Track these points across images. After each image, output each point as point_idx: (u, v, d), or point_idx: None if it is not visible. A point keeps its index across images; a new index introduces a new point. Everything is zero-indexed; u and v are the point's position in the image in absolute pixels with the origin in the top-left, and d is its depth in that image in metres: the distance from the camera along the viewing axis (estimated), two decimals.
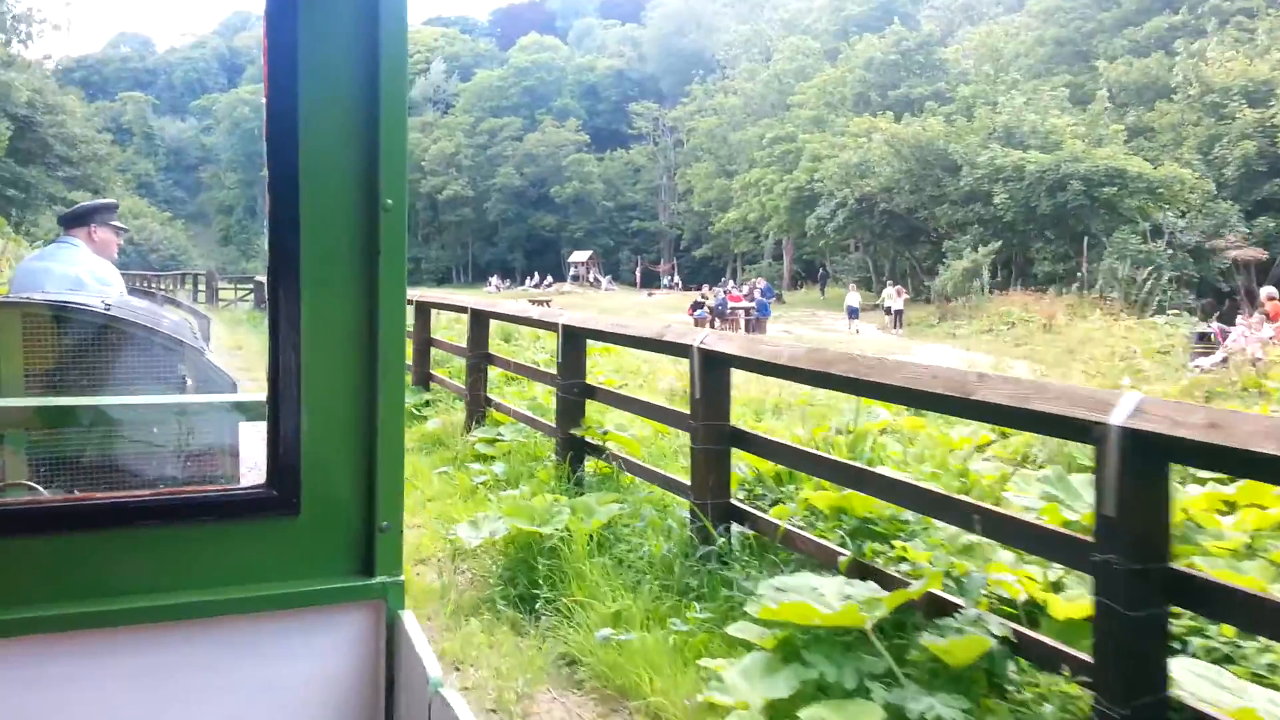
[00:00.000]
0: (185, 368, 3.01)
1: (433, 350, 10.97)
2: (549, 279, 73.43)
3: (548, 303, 35.05)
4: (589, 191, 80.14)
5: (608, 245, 79.73)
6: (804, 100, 52.80)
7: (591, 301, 53.10)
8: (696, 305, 29.37)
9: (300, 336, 1.28)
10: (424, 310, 10.81)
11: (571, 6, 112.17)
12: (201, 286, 32.50)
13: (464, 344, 9.16)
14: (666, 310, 42.24)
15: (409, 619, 1.34)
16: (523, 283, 72.56)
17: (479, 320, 8.95)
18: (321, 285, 1.29)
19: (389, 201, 1.30)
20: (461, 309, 10.02)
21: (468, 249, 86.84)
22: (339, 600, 1.35)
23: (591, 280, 71.20)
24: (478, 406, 8.57)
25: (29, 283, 3.85)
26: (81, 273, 3.91)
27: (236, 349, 16.24)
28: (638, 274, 73.42)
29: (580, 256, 73.25)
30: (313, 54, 1.25)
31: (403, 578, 1.40)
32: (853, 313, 35.77)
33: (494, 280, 72.69)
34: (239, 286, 32.65)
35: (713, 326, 27.76)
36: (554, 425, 6.62)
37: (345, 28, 1.27)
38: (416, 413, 9.57)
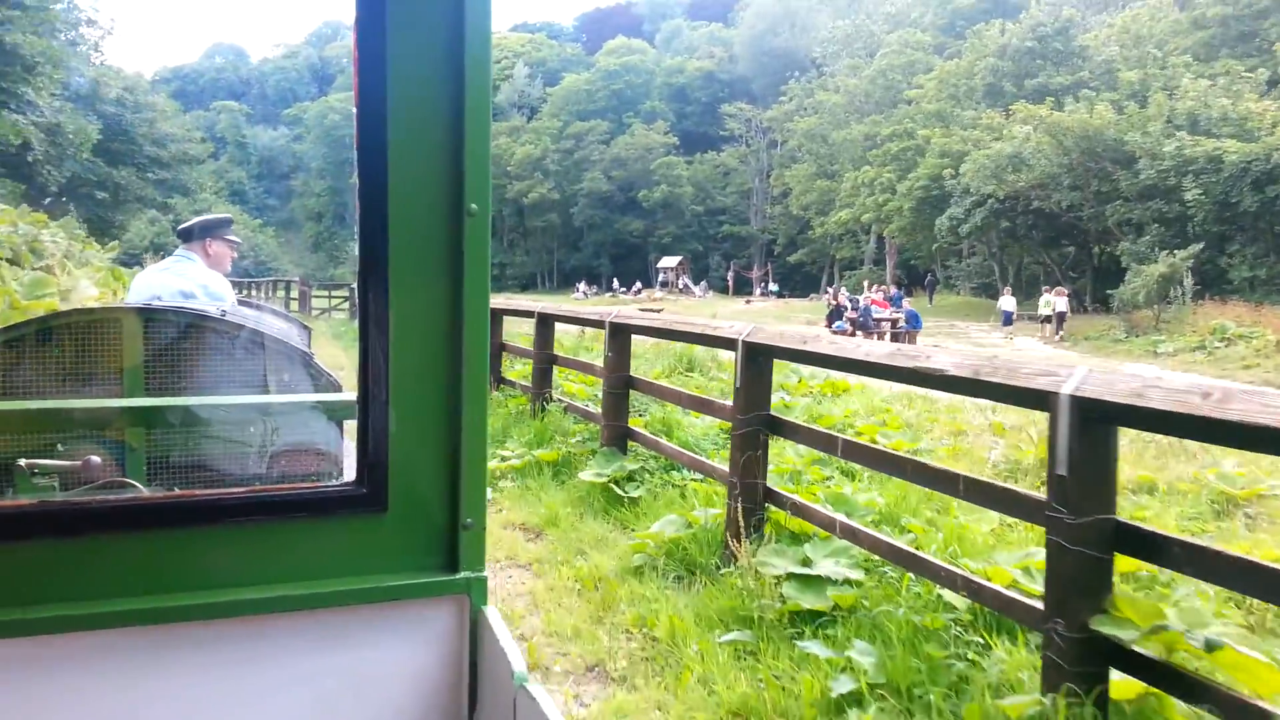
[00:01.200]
0: (295, 371, 3.02)
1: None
2: (637, 285, 70.14)
3: (658, 313, 31.68)
4: (678, 195, 76.52)
5: (696, 250, 75.96)
6: (921, 94, 48.36)
7: (690, 309, 49.52)
8: (834, 314, 25.56)
9: (388, 338, 1.29)
10: (545, 323, 9.24)
11: (659, 9, 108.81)
12: (294, 294, 29.76)
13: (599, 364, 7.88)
14: (779, 320, 38.56)
15: (492, 614, 1.35)
16: (610, 289, 69.32)
17: (619, 334, 7.28)
18: (408, 288, 1.30)
19: (474, 206, 1.31)
20: (596, 323, 8.40)
21: (553, 255, 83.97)
22: (424, 595, 1.36)
23: (681, 287, 67.53)
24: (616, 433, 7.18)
25: (145, 293, 3.99)
26: (194, 287, 4.04)
27: (338, 369, 13.18)
28: (730, 280, 69.56)
29: (669, 262, 69.51)
30: (400, 63, 1.26)
31: (486, 574, 1.39)
32: (1007, 318, 31.61)
33: (581, 286, 69.47)
34: (333, 294, 29.65)
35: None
36: (725, 470, 5.29)
37: (432, 36, 1.27)
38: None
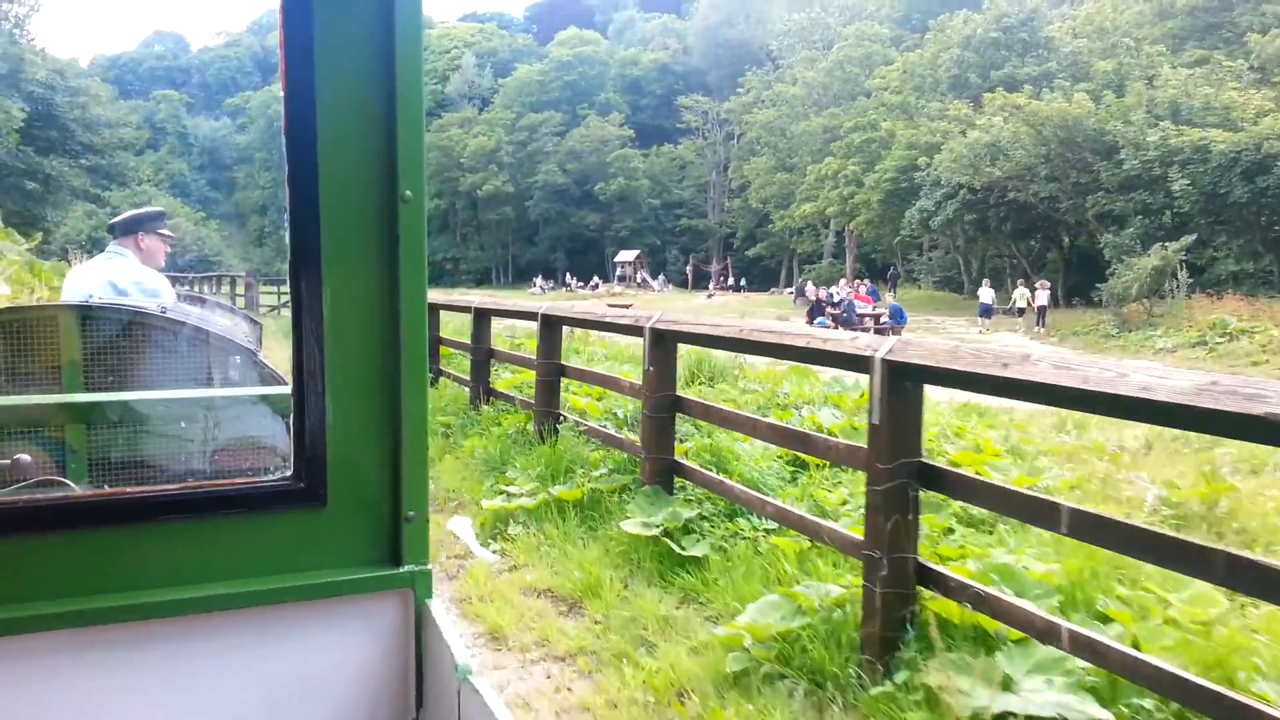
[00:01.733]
0: (240, 368, 2.94)
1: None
2: (595, 280, 68.52)
3: (626, 308, 30.21)
4: (634, 189, 74.96)
5: (654, 244, 74.53)
6: (884, 85, 47.42)
7: (650, 305, 48.10)
8: (815, 310, 24.31)
9: (323, 329, 1.26)
10: (551, 327, 7.67)
11: (610, 1, 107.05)
12: (240, 290, 27.49)
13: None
14: (746, 316, 37.24)
15: (436, 607, 1.33)
16: (567, 284, 67.64)
17: (662, 344, 5.87)
18: (342, 278, 1.27)
19: (408, 193, 1.28)
20: (616, 327, 6.97)
21: (508, 249, 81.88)
22: (367, 590, 1.33)
23: (639, 281, 66.11)
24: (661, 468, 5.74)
25: (78, 293, 3.76)
26: (127, 284, 3.86)
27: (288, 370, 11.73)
28: (689, 274, 68.29)
29: (627, 256, 68.02)
30: (329, 49, 1.23)
31: (430, 566, 1.37)
32: (985, 311, 30.71)
33: (538, 281, 67.65)
34: (282, 290, 27.39)
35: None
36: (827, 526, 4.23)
37: (361, 22, 1.24)
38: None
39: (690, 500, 5.43)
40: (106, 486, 2.17)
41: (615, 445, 6.43)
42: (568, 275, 69.60)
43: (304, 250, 1.25)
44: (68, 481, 1.95)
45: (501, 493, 6.35)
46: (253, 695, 1.30)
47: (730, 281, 63.90)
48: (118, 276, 3.85)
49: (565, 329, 8.33)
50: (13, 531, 1.19)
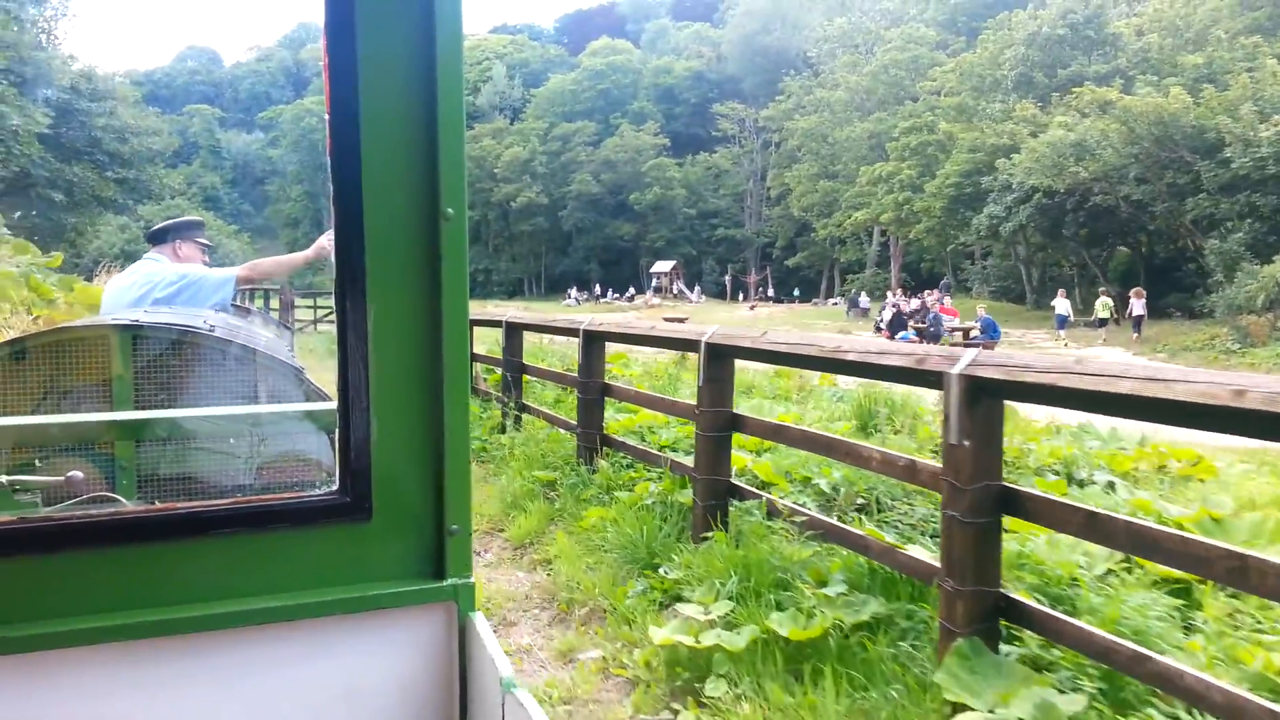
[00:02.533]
0: (286, 387, 2.95)
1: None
2: (630, 291, 66.45)
3: (682, 321, 28.00)
4: (670, 198, 72.80)
5: (689, 254, 72.23)
6: (938, 87, 45.01)
7: (698, 317, 45.83)
8: (896, 323, 21.95)
9: (368, 345, 1.27)
10: (721, 359, 5.15)
11: (641, 10, 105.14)
12: (274, 304, 25.31)
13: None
14: (801, 328, 34.76)
15: (480, 620, 1.33)
16: (603, 294, 65.60)
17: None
18: (386, 295, 1.28)
19: (449, 210, 1.28)
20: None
21: (540, 260, 79.96)
22: (411, 603, 1.33)
23: (675, 292, 63.90)
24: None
25: (115, 301, 3.75)
26: (165, 286, 3.74)
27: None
28: (728, 284, 66.02)
29: (663, 266, 65.77)
30: (371, 68, 1.23)
31: (473, 580, 1.36)
32: (1061, 322, 28.24)
33: (573, 292, 65.64)
34: (319, 304, 25.18)
35: None
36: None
37: (403, 40, 1.25)
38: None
39: (1045, 664, 3.19)
40: (156, 502, 2.12)
41: (855, 548, 4.04)
42: (599, 286, 67.60)
43: (350, 268, 1.24)
44: (118, 497, 2.02)
45: (669, 606, 4.14)
46: (299, 708, 1.29)
47: (770, 292, 61.51)
48: (154, 278, 3.76)
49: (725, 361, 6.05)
50: (67, 547, 1.20)
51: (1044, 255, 38.17)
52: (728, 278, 65.89)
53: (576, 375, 6.92)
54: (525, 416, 8.13)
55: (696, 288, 65.23)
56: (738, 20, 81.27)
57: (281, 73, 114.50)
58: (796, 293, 62.05)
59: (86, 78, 28.82)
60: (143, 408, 2.75)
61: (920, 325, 21.73)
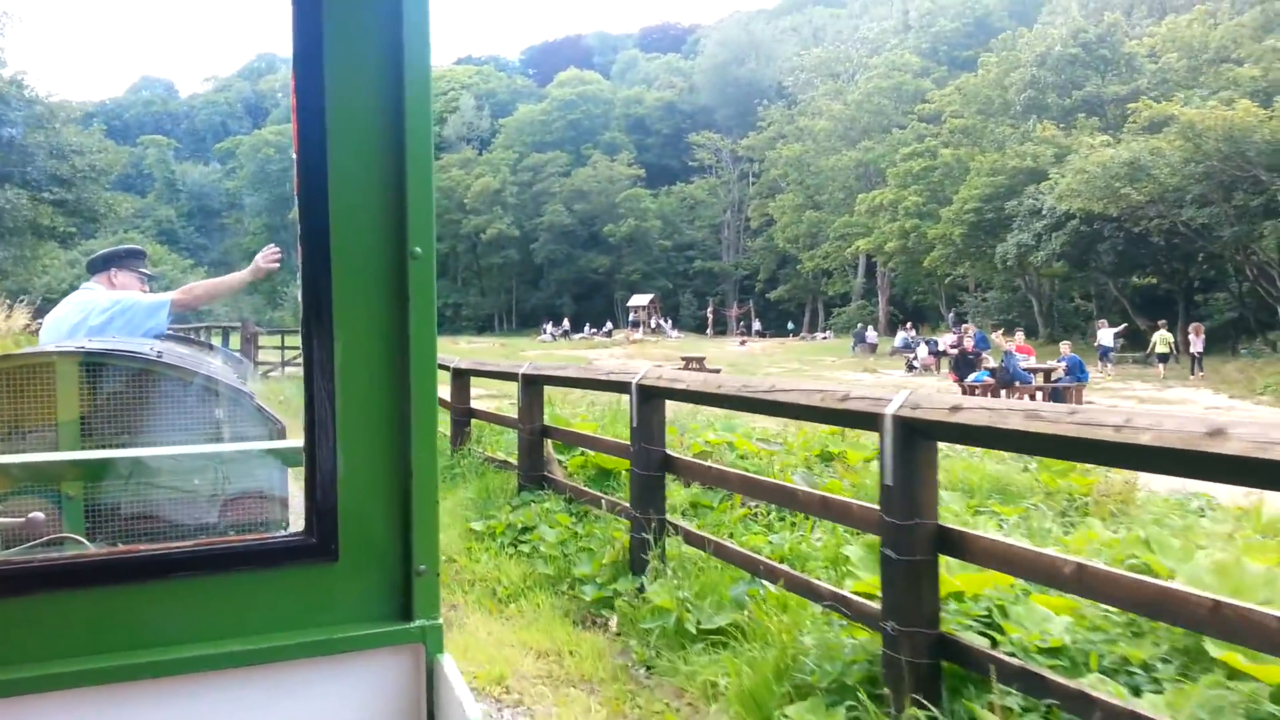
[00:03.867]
0: (236, 413, 2.84)
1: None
2: (608, 325, 62.96)
3: (700, 363, 24.36)
4: (645, 230, 69.66)
5: (665, 288, 68.99)
6: (936, 110, 42.51)
7: (683, 353, 42.45)
8: (963, 364, 18.63)
9: (334, 384, 1.24)
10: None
11: (608, 42, 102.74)
12: (235, 344, 21.42)
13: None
14: (807, 364, 31.42)
15: (448, 662, 1.30)
16: (580, 329, 61.97)
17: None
18: (353, 333, 1.26)
19: (417, 249, 1.26)
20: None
21: (512, 294, 76.19)
22: (378, 645, 1.30)
23: (654, 326, 60.48)
24: None
25: (52, 331, 3.61)
26: (99, 314, 3.59)
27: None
28: (709, 318, 62.82)
29: (640, 300, 62.27)
30: (339, 105, 1.21)
31: (440, 621, 1.34)
32: (1105, 354, 25.32)
33: (549, 327, 61.81)
34: (287, 344, 21.17)
35: (996, 398, 16.81)
36: None
37: (370, 78, 1.23)
38: None
39: None
40: (120, 544, 2.13)
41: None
42: (573, 321, 64.01)
43: (316, 306, 1.22)
44: (79, 538, 1.97)
45: None
46: None
47: (758, 326, 58.37)
48: (88, 306, 3.60)
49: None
50: (25, 590, 1.16)
51: (1055, 285, 35.53)
52: (709, 311, 62.62)
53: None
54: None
55: (668, 321, 61.94)
56: (710, 50, 78.99)
57: (240, 103, 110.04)
58: (791, 326, 59.04)
59: (16, 85, 24.75)
60: (91, 436, 2.63)
61: (993, 366, 18.45)
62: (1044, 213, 28.95)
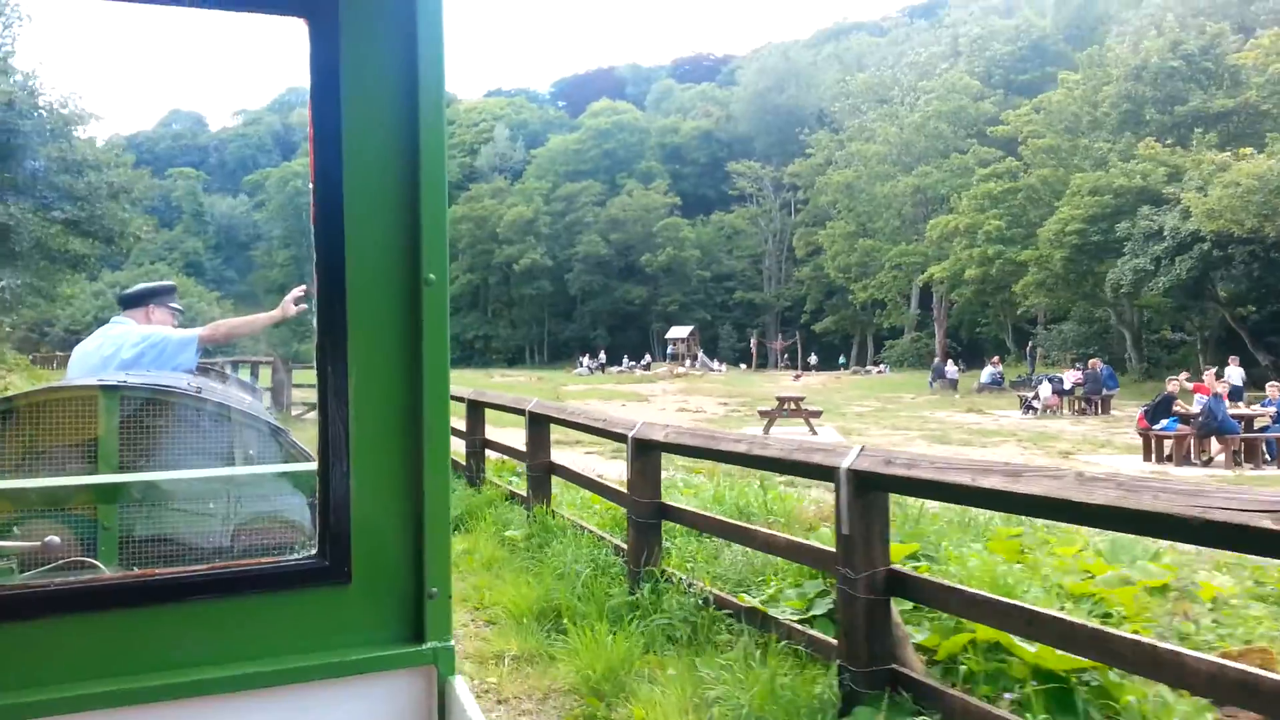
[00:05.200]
0: (269, 449, 2.85)
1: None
2: (646, 358, 59.55)
3: (797, 404, 20.64)
4: (683, 259, 66.45)
5: (703, 319, 65.53)
6: (1010, 133, 39.13)
7: (729, 388, 38.89)
8: (1161, 408, 14.76)
9: (348, 409, 1.24)
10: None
11: (641, 74, 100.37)
12: (264, 381, 18.24)
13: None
14: (889, 400, 27.65)
15: (460, 684, 1.29)
16: (618, 362, 58.56)
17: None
18: (368, 358, 1.26)
19: (431, 276, 1.26)
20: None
21: (544, 326, 73.00)
22: (391, 667, 1.30)
23: (694, 359, 56.93)
24: None
25: (81, 365, 3.55)
26: (137, 348, 3.58)
27: None
28: (753, 350, 59.29)
29: (679, 332, 58.72)
30: (355, 135, 1.22)
31: (453, 643, 1.33)
32: (1237, 394, 21.52)
33: (585, 360, 58.41)
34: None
35: (1238, 456, 13.31)
36: None
37: (386, 108, 1.23)
38: None
39: None
40: (136, 569, 2.06)
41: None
42: (608, 354, 60.62)
43: (331, 332, 1.22)
44: (97, 563, 1.93)
45: None
46: None
47: (811, 359, 54.76)
48: (119, 340, 3.58)
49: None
50: (43, 614, 1.16)
51: (1144, 317, 31.76)
52: (753, 342, 59.07)
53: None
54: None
55: (701, 355, 58.45)
56: (749, 79, 76.19)
57: (269, 136, 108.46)
58: (841, 360, 55.38)
59: (29, 94, 21.87)
60: (127, 469, 2.63)
61: (1184, 411, 14.79)
62: (1165, 234, 25.35)
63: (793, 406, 19.21)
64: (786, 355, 58.73)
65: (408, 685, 1.30)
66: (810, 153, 57.96)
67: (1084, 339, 41.81)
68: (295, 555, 1.30)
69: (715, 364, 55.71)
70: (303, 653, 1.24)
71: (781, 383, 42.74)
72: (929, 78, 55.54)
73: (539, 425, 7.18)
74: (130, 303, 3.83)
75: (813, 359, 54.22)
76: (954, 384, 33.28)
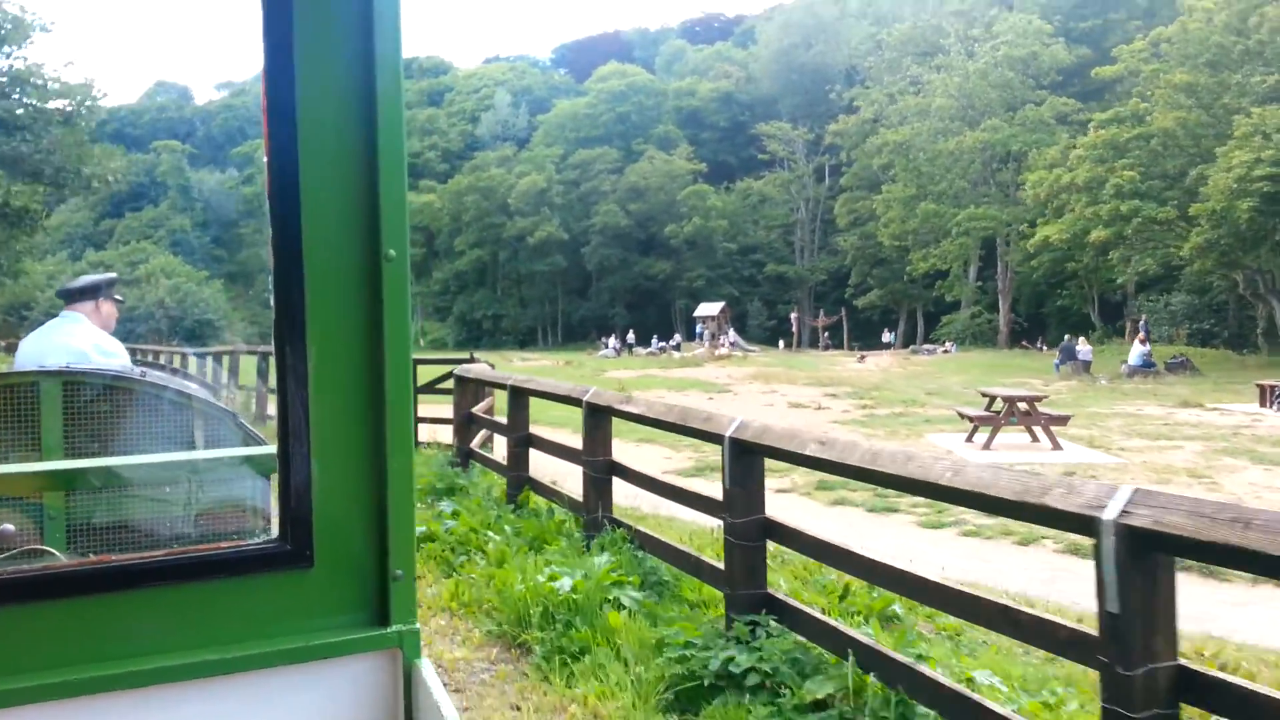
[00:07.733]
0: (220, 433, 2.77)
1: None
2: (676, 338, 53.15)
3: (1032, 405, 14.22)
4: (709, 230, 59.83)
5: (730, 295, 59.06)
6: (1125, 70, 32.74)
7: (815, 369, 32.57)
8: None
9: (308, 389, 1.20)
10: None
11: (649, 36, 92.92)
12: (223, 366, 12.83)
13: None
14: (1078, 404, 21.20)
15: (426, 667, 1.26)
16: (647, 343, 52.13)
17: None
18: (327, 338, 1.21)
19: (391, 252, 1.21)
20: None
21: (556, 305, 66.38)
22: (355, 651, 1.26)
23: (727, 338, 50.63)
24: None
25: (32, 359, 3.39)
26: (86, 346, 3.55)
27: None
28: (794, 327, 53.01)
29: (709, 309, 51.99)
30: (310, 108, 1.16)
31: (418, 625, 1.30)
32: None
33: (611, 341, 51.75)
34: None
35: None
36: None
37: (341, 80, 1.18)
38: None
39: None
40: (92, 555, 1.97)
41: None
42: (626, 332, 54.16)
43: (288, 310, 1.18)
44: (52, 550, 1.84)
45: None
46: None
47: (889, 338, 48.44)
48: (75, 340, 3.49)
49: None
50: None
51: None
52: (793, 319, 52.70)
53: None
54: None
55: (733, 333, 52.08)
56: (771, 36, 69.14)
57: (257, 108, 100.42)
58: (887, 339, 49.09)
59: None
60: (76, 457, 2.52)
61: None
62: None
63: (1026, 408, 12.96)
64: (827, 332, 52.48)
65: (373, 669, 1.25)
66: (858, 106, 51.21)
67: (1195, 312, 35.58)
68: (255, 539, 1.24)
69: (749, 345, 49.36)
70: (266, 638, 1.18)
71: (848, 365, 36.29)
72: (976, 26, 48.97)
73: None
74: (77, 296, 3.68)
75: (888, 337, 47.90)
76: (1086, 365, 27.09)
